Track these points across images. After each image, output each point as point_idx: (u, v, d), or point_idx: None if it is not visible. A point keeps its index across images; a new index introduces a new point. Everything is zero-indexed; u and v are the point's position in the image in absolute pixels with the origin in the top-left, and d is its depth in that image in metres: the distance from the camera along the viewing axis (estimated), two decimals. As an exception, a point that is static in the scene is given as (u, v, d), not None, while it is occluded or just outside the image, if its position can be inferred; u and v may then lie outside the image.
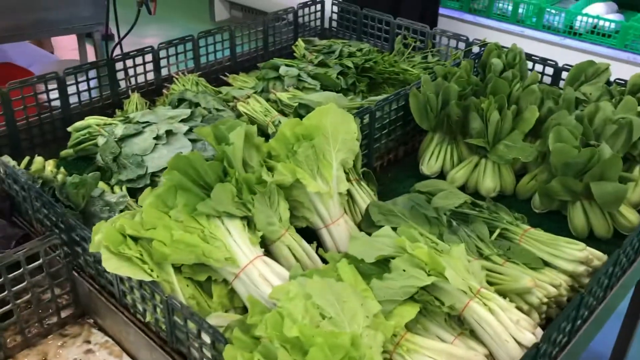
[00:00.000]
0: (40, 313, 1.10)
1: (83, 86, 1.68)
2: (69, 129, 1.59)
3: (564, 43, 2.99)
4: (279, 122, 1.59)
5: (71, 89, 1.63)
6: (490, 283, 1.08)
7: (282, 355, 0.81)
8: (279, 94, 1.69)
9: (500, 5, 3.23)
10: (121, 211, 1.27)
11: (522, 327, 0.99)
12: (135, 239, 1.01)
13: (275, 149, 1.21)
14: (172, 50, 1.83)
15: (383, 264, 1.03)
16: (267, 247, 1.12)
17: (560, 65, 1.74)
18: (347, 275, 0.97)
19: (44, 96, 1.60)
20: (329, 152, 1.24)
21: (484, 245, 1.18)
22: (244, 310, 1.05)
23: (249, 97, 1.70)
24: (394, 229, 1.11)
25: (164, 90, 1.80)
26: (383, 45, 2.07)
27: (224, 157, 1.13)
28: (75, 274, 1.12)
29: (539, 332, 1.00)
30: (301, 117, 1.26)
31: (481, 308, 0.99)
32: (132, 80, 1.79)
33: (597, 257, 1.18)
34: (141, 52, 1.77)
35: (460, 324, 1.01)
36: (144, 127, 1.52)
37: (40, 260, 1.06)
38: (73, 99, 1.65)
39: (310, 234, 1.21)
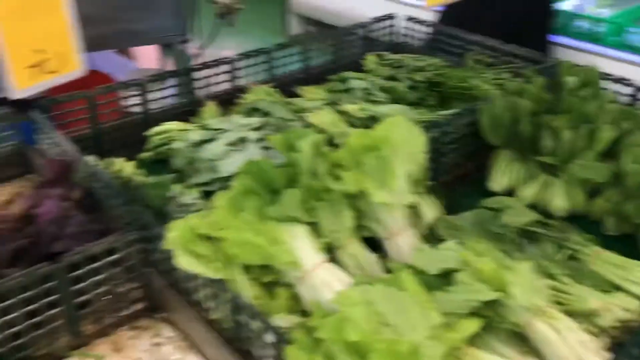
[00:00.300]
0: (115, 305, 1.16)
1: (163, 93, 1.77)
2: (148, 133, 1.68)
3: (643, 63, 2.88)
4: (347, 133, 1.61)
5: (152, 96, 1.72)
6: (557, 303, 1.05)
7: (342, 359, 0.83)
8: (347, 106, 1.72)
9: (579, 23, 3.15)
10: (194, 212, 1.32)
11: (589, 350, 0.96)
12: (207, 239, 1.06)
13: (342, 159, 1.23)
14: (247, 62, 1.90)
15: (446, 277, 1.03)
16: (331, 254, 1.14)
17: (638, 85, 1.69)
18: (410, 285, 0.97)
19: (127, 101, 1.70)
20: (396, 163, 1.25)
21: (551, 264, 1.16)
22: (306, 313, 1.07)
23: (318, 108, 1.74)
24: (460, 243, 1.11)
25: (238, 100, 1.86)
26: (454, 60, 2.07)
27: (293, 164, 1.17)
28: (149, 270, 1.18)
29: (607, 356, 0.97)
30: (369, 128, 1.29)
31: (546, 327, 0.97)
32: (209, 89, 1.87)
33: (673, 283, 1.14)
34: (218, 62, 1.84)
35: (524, 343, 0.99)
36: (218, 134, 1.58)
37: (118, 255, 1.12)
38: (153, 105, 1.74)
39: (373, 244, 1.22)
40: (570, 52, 3.02)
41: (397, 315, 0.89)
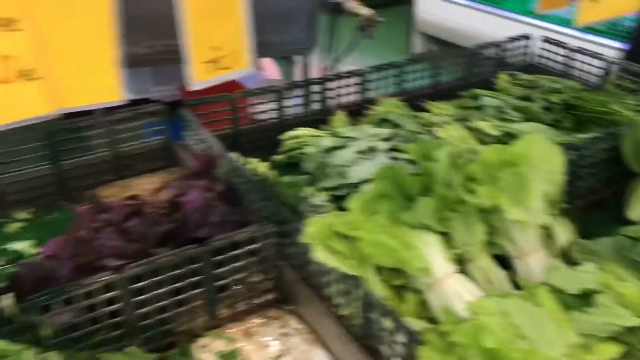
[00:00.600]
0: (248, 293, 1.23)
1: (296, 101, 1.86)
2: (282, 137, 1.76)
3: None
4: (477, 150, 1.61)
5: (286, 103, 1.81)
6: None
7: (477, 365, 0.83)
8: (479, 122, 1.71)
9: None
10: (323, 213, 1.38)
11: None
12: (342, 237, 1.10)
13: (476, 172, 1.23)
14: (378, 75, 1.94)
15: (584, 298, 1.00)
16: (461, 266, 1.15)
17: None
18: (546, 302, 0.96)
19: (261, 107, 1.80)
20: (532, 181, 1.23)
21: (698, 299, 1.09)
22: (433, 320, 1.08)
23: (447, 123, 1.75)
24: (599, 267, 1.07)
25: (367, 111, 1.91)
26: (592, 84, 2.00)
27: (428, 173, 1.19)
28: (282, 263, 1.24)
29: None
30: (504, 145, 1.28)
31: (693, 363, 0.92)
32: (339, 99, 1.93)
33: None
34: (350, 74, 1.91)
35: (667, 377, 0.94)
36: (348, 142, 1.63)
37: (256, 245, 1.19)
38: (287, 111, 1.83)
39: (503, 262, 1.21)
40: None
41: (534, 330, 0.88)
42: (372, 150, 1.59)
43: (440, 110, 1.95)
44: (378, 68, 1.95)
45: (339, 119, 1.84)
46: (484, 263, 1.16)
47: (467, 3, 4.70)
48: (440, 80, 2.09)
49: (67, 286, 1.03)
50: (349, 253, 1.07)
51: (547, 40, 2.16)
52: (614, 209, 1.50)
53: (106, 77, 0.92)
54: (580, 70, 2.05)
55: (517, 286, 1.13)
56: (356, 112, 1.93)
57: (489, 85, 2.04)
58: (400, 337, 0.94)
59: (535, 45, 2.20)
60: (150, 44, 1.73)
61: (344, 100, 1.94)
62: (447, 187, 1.18)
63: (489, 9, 4.59)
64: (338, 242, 1.08)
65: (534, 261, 1.21)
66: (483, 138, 1.68)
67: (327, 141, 1.65)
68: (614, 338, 0.93)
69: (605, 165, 1.51)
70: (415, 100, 2.00)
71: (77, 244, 1.25)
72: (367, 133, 1.67)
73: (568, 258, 1.22)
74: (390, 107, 1.87)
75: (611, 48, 3.41)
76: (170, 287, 1.11)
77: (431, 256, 1.09)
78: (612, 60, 1.97)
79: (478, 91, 1.88)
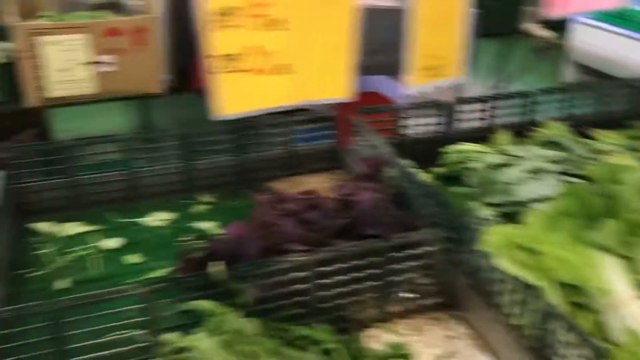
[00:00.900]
0: (416, 293, 1.29)
1: (459, 116, 1.89)
2: (445, 150, 1.80)
3: None
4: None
5: (452, 117, 1.86)
6: None
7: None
8: (654, 153, 1.66)
9: None
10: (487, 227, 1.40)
11: None
12: (522, 248, 1.12)
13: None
14: (543, 97, 1.94)
15: None
16: (640, 292, 1.13)
17: None
18: None
19: (423, 120, 1.86)
20: None
21: None
22: (609, 342, 1.07)
23: (618, 152, 1.71)
24: None
25: (531, 132, 1.91)
26: None
27: (612, 196, 1.18)
28: (451, 268, 1.28)
29: None
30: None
31: None
32: (503, 118, 1.94)
33: None
34: (516, 95, 1.92)
35: None
36: (514, 160, 1.65)
37: (428, 248, 1.25)
38: (451, 126, 1.87)
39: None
40: None
41: None
42: (539, 171, 1.60)
43: (609, 138, 1.90)
44: (545, 91, 1.94)
45: (504, 138, 1.85)
46: (667, 293, 1.13)
47: (627, 33, 4.48)
48: (605, 109, 2.04)
49: (265, 261, 1.14)
50: (530, 265, 1.09)
51: None
52: None
53: (341, 78, 1.01)
54: None
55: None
56: (519, 132, 1.94)
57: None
58: (586, 352, 0.95)
59: None
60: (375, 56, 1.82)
61: (507, 120, 1.95)
62: (633, 211, 1.16)
63: (650, 40, 4.34)
64: (518, 252, 1.11)
65: None
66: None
67: (493, 158, 1.67)
68: None
69: None
70: (580, 127, 1.97)
71: (262, 228, 1.38)
72: (534, 153, 1.67)
73: None
74: (557, 130, 1.85)
75: None
76: (349, 275, 1.19)
77: (613, 277, 1.09)
78: None
79: (652, 122, 1.82)
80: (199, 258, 1.29)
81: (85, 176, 1.60)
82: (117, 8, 2.63)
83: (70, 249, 1.46)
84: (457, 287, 1.27)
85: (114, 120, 3.23)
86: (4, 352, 1.00)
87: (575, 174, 1.54)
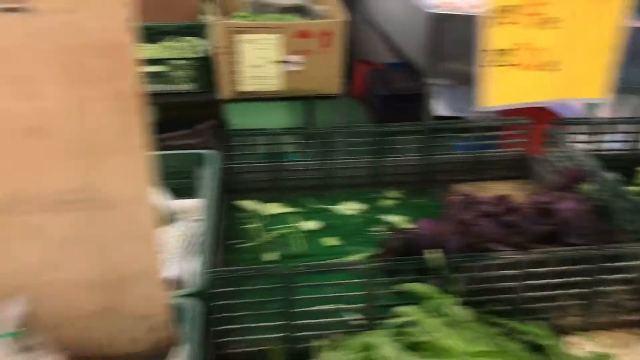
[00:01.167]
0: (619, 306, 1.26)
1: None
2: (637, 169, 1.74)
3: None
4: None
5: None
6: None
7: None
8: None
9: None
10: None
11: None
12: None
13: None
14: None
15: None
16: None
17: None
18: None
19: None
20: None
21: None
22: None
23: None
24: None
25: None
26: None
27: None
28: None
29: None
30: None
31: None
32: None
33: None
34: None
35: None
36: None
37: (632, 262, 1.22)
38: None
39: None
40: None
41: None
42: None
43: None
44: None
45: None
46: None
47: None
48: None
49: (480, 255, 1.18)
50: None
51: None
52: None
53: (600, 78, 1.04)
54: None
55: None
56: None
57: None
58: None
59: None
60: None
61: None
62: None
63: None
64: None
65: None
66: None
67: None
68: None
69: None
70: None
71: (461, 226, 1.42)
72: None
73: None
74: None
75: None
76: (557, 280, 1.20)
77: None
78: None
79: None
80: (399, 247, 1.36)
81: (285, 163, 1.74)
82: (303, 12, 2.81)
83: (274, 227, 1.59)
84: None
85: (281, 119, 3.44)
86: (243, 305, 1.13)
87: None
